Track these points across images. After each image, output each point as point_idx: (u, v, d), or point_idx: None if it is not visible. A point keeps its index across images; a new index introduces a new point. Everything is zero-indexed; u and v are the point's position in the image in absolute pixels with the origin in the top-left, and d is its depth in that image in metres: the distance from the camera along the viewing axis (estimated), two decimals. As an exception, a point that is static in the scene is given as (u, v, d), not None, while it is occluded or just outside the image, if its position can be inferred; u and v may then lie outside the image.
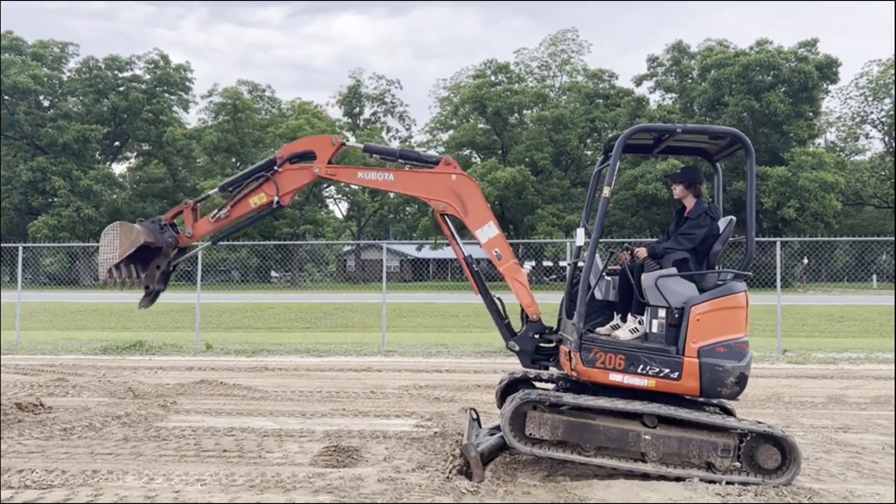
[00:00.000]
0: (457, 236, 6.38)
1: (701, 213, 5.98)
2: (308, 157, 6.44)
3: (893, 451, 6.39)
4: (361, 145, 6.79)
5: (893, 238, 16.26)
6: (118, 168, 65.10)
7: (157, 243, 6.35)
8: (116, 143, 62.41)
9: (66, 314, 22.84)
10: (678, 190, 6.28)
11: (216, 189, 6.62)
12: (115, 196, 56.94)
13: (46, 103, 57.28)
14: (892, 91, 57.48)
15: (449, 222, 6.36)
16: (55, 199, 52.62)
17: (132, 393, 9.21)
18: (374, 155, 6.76)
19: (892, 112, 59.00)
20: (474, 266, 6.34)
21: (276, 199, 6.35)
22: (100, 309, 24.83)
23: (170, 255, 6.47)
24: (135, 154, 64.95)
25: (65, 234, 49.61)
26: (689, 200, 6.20)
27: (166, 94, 61.15)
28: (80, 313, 23.36)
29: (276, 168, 6.38)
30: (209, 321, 19.51)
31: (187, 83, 61.94)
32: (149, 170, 62.88)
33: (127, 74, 59.45)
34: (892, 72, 57.62)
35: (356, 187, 55.86)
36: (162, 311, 23.86)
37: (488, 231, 6.14)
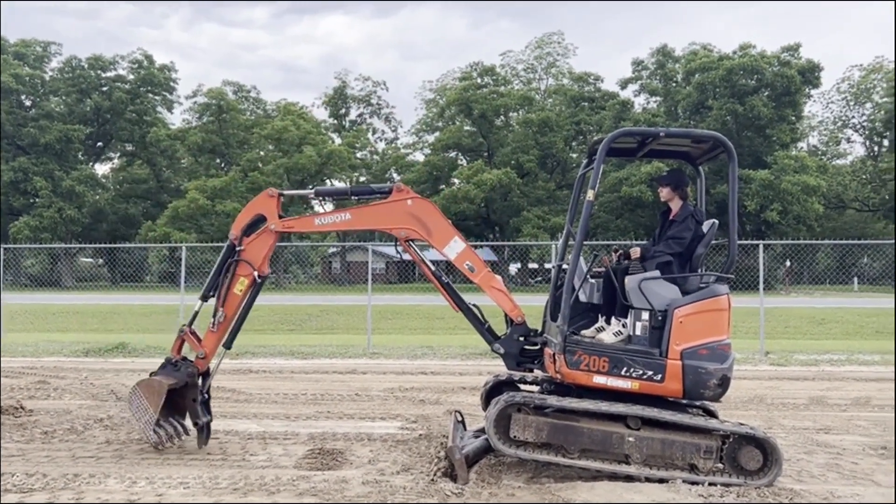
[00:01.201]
0: (426, 260, 6.43)
1: (687, 216, 6.04)
2: (259, 222, 6.44)
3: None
4: (312, 191, 6.85)
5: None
6: (101, 169, 64.64)
7: (181, 382, 6.30)
8: (99, 144, 61.87)
9: (48, 316, 22.59)
10: (665, 192, 6.33)
11: (198, 302, 6.55)
12: (97, 197, 56.45)
13: (28, 103, 56.63)
14: (877, 93, 58.22)
15: (414, 246, 6.40)
16: (37, 200, 52.07)
17: (114, 395, 9.14)
18: (327, 197, 6.81)
19: (872, 116, 59.77)
20: (444, 278, 6.37)
21: (255, 274, 6.33)
22: (82, 311, 24.62)
23: (198, 385, 6.40)
24: (118, 155, 64.44)
25: (46, 235, 49.11)
26: (675, 203, 6.25)
27: (150, 95, 60.71)
28: (61, 315, 23.13)
29: (237, 249, 6.38)
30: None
31: (171, 83, 61.55)
32: (132, 170, 62.39)
33: (110, 74, 58.97)
34: (875, 76, 58.40)
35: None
36: (145, 312, 23.71)
37: (455, 246, 6.18)
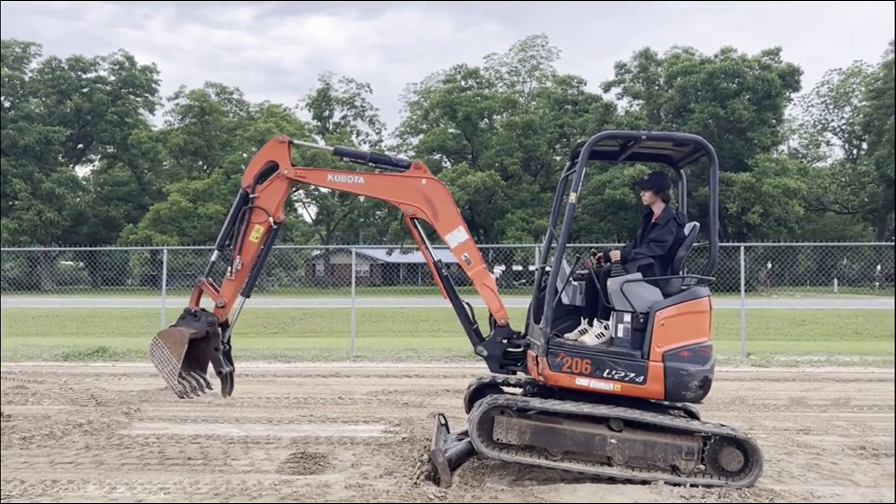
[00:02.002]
0: (426, 241, 6.38)
1: (669, 219, 6.07)
2: (270, 170, 6.38)
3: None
4: (332, 148, 6.75)
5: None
6: (82, 171, 63.95)
7: (202, 332, 6.23)
8: (80, 146, 61.22)
9: (27, 320, 22.29)
10: (647, 196, 6.36)
11: (215, 251, 6.49)
12: (78, 199, 55.84)
13: (7, 104, 55.96)
14: (855, 97, 58.95)
15: (419, 227, 6.36)
16: (16, 202, 51.37)
17: (94, 400, 9.05)
18: (345, 158, 6.74)
19: (851, 120, 60.56)
20: (443, 271, 6.34)
21: (270, 220, 6.28)
22: (62, 314, 24.34)
23: (219, 334, 6.32)
24: (99, 157, 63.81)
25: (25, 237, 48.49)
26: (658, 206, 6.29)
27: (132, 96, 60.18)
28: (41, 319, 22.85)
29: (251, 196, 6.31)
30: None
31: (153, 85, 61.07)
32: (113, 173, 61.79)
33: (91, 75, 58.39)
34: (853, 80, 59.14)
35: (326, 191, 55.63)
36: (126, 316, 23.49)
37: (458, 235, 6.15)
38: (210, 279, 6.45)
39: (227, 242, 6.40)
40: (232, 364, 6.43)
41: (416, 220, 6.31)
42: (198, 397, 6.32)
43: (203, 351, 6.30)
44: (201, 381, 6.35)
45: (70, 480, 5.58)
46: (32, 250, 38.26)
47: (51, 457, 6.35)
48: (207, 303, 6.40)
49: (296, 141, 6.52)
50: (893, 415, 8.15)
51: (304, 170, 6.47)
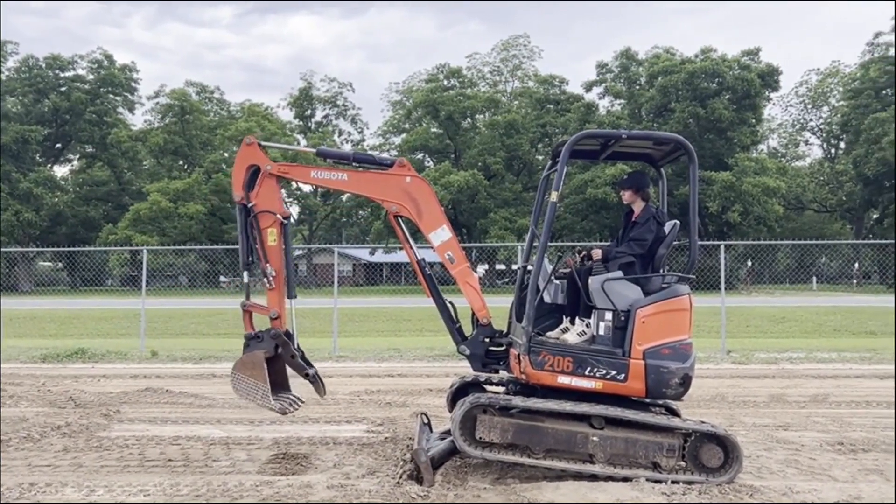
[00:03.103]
0: (410, 239, 6.36)
1: (649, 218, 6.10)
2: (255, 175, 6.33)
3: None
4: (314, 149, 6.72)
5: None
6: (60, 170, 63.22)
7: (271, 349, 6.21)
8: (58, 145, 60.56)
9: (4, 321, 21.95)
10: (627, 195, 6.40)
11: (244, 273, 6.44)
12: (56, 199, 55.21)
13: (-17, 103, 55.26)
14: (833, 97, 59.65)
15: (402, 225, 6.35)
16: (-8, 202, 50.76)
17: (73, 402, 8.93)
18: (328, 159, 6.70)
19: (829, 119, 61.33)
20: (427, 270, 6.33)
21: (279, 217, 6.26)
22: (40, 316, 24.04)
23: (288, 343, 6.28)
24: (77, 156, 63.12)
25: (3, 238, 47.83)
26: (638, 205, 6.32)
27: (110, 95, 59.64)
28: (18, 320, 22.53)
29: (251, 206, 6.27)
30: (155, 327, 19.03)
31: (132, 84, 60.57)
32: (92, 172, 61.17)
33: (69, 74, 57.78)
34: (831, 80, 59.86)
35: (308, 189, 55.40)
36: (106, 317, 23.26)
37: (441, 234, 6.14)
38: (251, 300, 6.44)
39: (249, 259, 6.36)
40: (312, 365, 6.38)
41: (399, 219, 6.29)
42: (296, 410, 6.32)
43: (279, 370, 6.29)
44: (292, 397, 6.35)
45: (48, 483, 5.51)
46: (10, 251, 37.75)
47: (28, 459, 6.27)
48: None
49: (265, 143, 6.48)
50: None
51: (287, 165, 6.46)
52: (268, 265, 6.24)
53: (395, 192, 6.18)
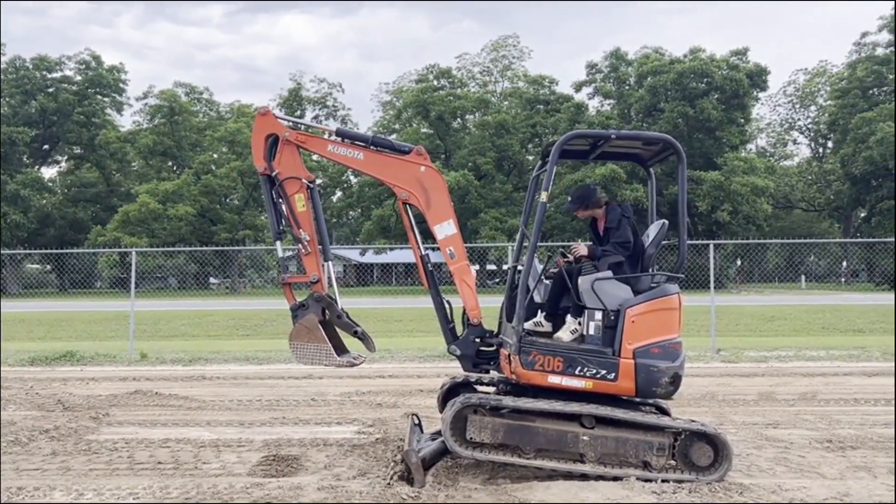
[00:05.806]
0: (415, 229, 6.32)
1: (619, 218, 6.12)
2: (273, 144, 6.30)
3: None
4: (334, 129, 6.64)
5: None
6: (48, 172, 62.77)
7: (319, 313, 6.20)
8: (46, 147, 60.15)
9: (-8, 324, 21.82)
10: (582, 214, 6.50)
11: (276, 244, 6.43)
12: (44, 201, 54.82)
13: (-31, 105, 54.83)
14: (821, 96, 60.04)
15: (409, 213, 6.33)
16: (-21, 205, 50.36)
17: (62, 405, 8.87)
18: (346, 140, 6.65)
19: (817, 119, 61.72)
20: (429, 265, 6.32)
21: (305, 183, 6.25)
22: (28, 318, 23.86)
23: (333, 304, 6.27)
24: (65, 158, 62.71)
25: (-9, 240, 47.54)
26: (598, 213, 6.35)
27: (99, 96, 59.29)
28: (6, 323, 22.31)
29: (275, 174, 6.24)
30: (144, 330, 18.93)
31: (121, 84, 60.23)
32: (80, 174, 60.76)
33: (56, 75, 57.42)
34: (819, 79, 60.25)
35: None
36: (95, 319, 23.12)
37: (447, 228, 6.12)
38: (288, 271, 6.43)
39: (279, 229, 6.35)
40: (356, 323, 6.36)
41: (408, 207, 6.28)
42: (364, 361, 6.37)
43: (331, 334, 6.27)
44: (352, 353, 6.37)
45: (36, 487, 5.47)
46: (-3, 253, 37.41)
47: (16, 463, 6.22)
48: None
49: (280, 116, 6.41)
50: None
51: (304, 135, 6.40)
52: (301, 231, 6.21)
53: (408, 178, 6.16)
